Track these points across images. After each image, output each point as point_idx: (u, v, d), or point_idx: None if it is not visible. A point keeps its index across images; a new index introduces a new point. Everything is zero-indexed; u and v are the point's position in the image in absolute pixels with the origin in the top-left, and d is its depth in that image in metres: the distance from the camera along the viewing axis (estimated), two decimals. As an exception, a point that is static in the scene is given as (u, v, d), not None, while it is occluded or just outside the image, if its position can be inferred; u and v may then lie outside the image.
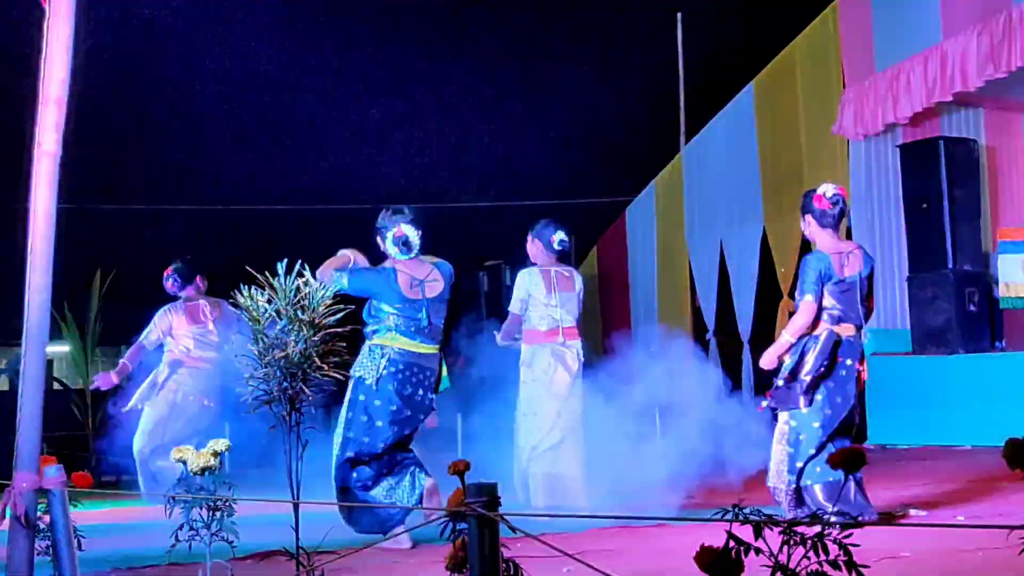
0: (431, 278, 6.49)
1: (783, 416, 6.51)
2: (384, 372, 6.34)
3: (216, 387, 9.21)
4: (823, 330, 6.45)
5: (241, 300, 4.47)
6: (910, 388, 10.86)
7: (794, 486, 6.38)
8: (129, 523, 8.26)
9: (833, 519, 3.19)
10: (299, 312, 4.38)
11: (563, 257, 8.39)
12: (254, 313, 4.40)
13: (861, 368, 6.53)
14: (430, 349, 6.49)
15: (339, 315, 4.62)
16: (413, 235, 6.42)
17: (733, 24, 14.69)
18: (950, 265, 10.91)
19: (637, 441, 8.87)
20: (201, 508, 4.67)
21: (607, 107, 16.43)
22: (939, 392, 10.60)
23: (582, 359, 8.10)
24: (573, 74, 16.55)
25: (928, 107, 10.84)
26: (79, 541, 4.30)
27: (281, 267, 4.50)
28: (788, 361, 6.47)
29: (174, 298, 9.55)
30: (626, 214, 15.78)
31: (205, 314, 9.49)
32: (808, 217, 6.59)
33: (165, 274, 9.57)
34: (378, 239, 6.51)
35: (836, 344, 6.42)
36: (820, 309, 6.45)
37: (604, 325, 15.21)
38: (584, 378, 8.12)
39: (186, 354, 9.37)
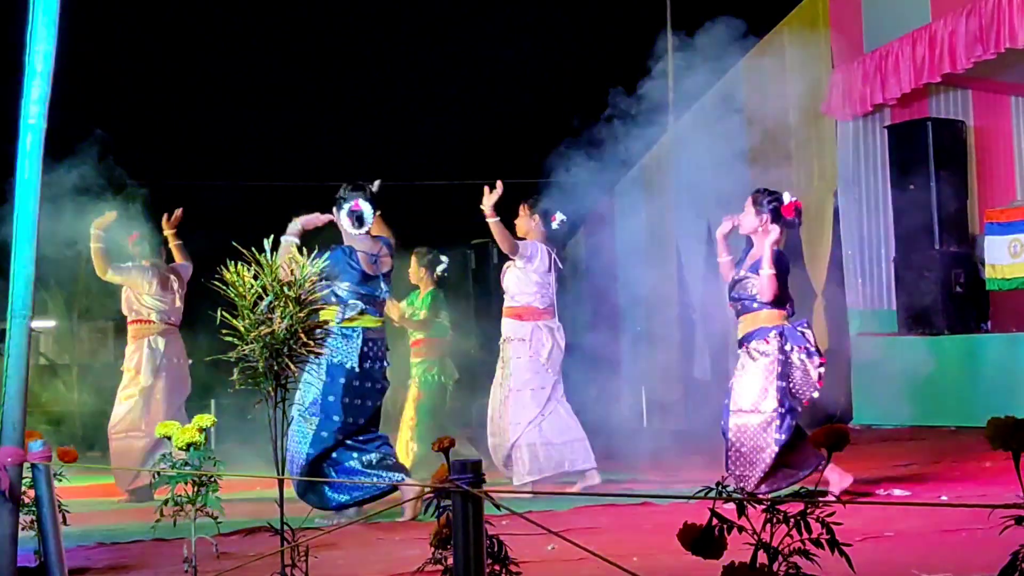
0: (382, 254, 6.78)
1: None
2: (361, 353, 6.57)
3: None
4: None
5: (227, 276, 4.45)
6: (896, 368, 10.88)
7: None
8: (114, 498, 8.26)
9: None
10: (285, 288, 4.35)
11: (554, 237, 8.37)
12: (240, 289, 4.37)
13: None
14: (380, 322, 6.83)
15: (325, 291, 4.62)
16: (368, 211, 6.64)
17: (722, 3, 14.65)
18: (937, 246, 10.91)
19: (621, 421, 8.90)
20: (186, 484, 4.65)
21: (596, 83, 16.38)
22: (925, 373, 10.61)
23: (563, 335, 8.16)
24: (562, 49, 16.53)
25: (916, 88, 10.82)
26: (64, 516, 4.28)
27: (267, 242, 4.48)
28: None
29: None
30: (613, 193, 15.73)
31: None
32: None
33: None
34: (334, 209, 6.70)
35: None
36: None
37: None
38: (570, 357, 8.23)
39: None
